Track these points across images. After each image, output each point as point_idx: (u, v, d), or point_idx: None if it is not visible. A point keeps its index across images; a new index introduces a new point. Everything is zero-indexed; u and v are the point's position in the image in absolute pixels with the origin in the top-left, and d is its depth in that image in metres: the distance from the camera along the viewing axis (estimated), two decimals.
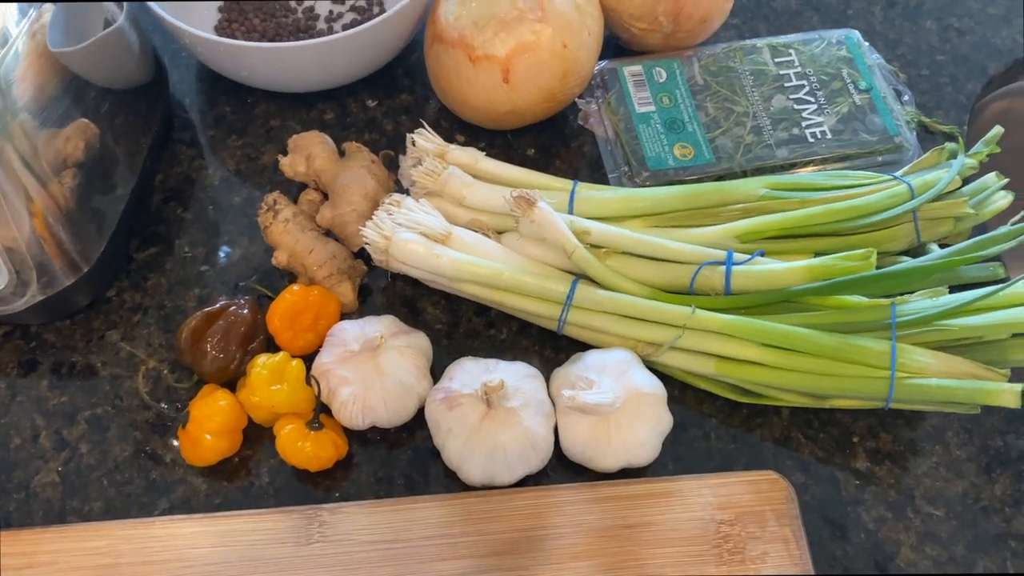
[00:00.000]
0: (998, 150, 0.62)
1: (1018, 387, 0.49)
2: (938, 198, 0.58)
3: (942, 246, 0.59)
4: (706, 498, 0.52)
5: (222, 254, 0.62)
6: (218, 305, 0.56)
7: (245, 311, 0.55)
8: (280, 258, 0.58)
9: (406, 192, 0.62)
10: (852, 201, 0.56)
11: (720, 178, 0.62)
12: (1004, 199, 0.60)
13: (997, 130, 0.62)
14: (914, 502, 0.53)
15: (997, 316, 0.52)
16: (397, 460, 0.55)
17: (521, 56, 0.59)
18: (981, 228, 0.61)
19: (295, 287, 0.56)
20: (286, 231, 0.58)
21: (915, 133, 0.65)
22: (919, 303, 0.53)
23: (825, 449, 0.55)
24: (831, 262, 0.53)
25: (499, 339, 0.59)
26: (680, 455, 0.55)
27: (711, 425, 0.56)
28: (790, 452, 0.55)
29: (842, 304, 0.53)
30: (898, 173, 0.60)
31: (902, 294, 0.55)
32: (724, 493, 0.52)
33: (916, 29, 0.73)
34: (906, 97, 0.67)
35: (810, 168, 0.62)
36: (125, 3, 0.60)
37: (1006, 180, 0.60)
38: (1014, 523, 0.52)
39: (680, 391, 0.57)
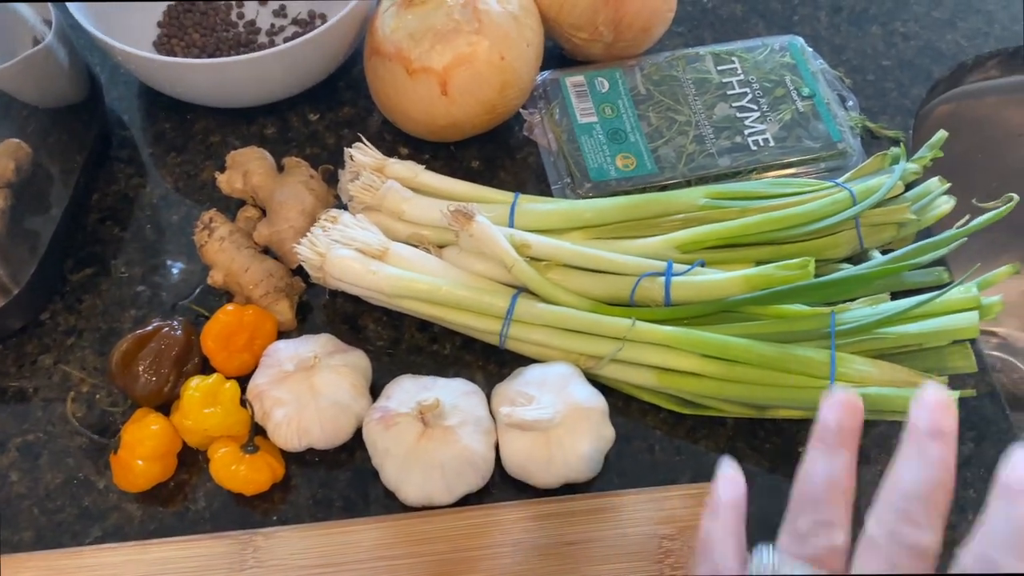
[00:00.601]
0: (941, 154, 0.62)
1: (955, 395, 0.49)
2: (880, 204, 0.58)
3: (886, 251, 0.59)
4: (648, 512, 0.51)
5: (160, 274, 0.61)
6: (150, 327, 0.54)
7: (178, 332, 0.54)
8: (216, 277, 0.57)
9: (346, 207, 0.61)
10: (792, 209, 0.56)
11: (664, 188, 0.62)
12: (947, 204, 0.60)
13: (941, 134, 0.62)
14: (858, 512, 0.53)
15: (935, 323, 0.52)
16: (336, 481, 0.54)
17: (458, 68, 0.58)
18: (926, 233, 0.60)
19: (229, 307, 0.55)
20: (222, 249, 0.57)
21: (859, 139, 0.65)
22: (859, 311, 0.53)
23: (770, 459, 0.54)
24: (769, 271, 0.52)
25: (442, 354, 0.58)
26: (624, 468, 0.54)
27: (656, 437, 0.55)
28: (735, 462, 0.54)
29: (782, 313, 0.53)
30: (840, 179, 0.60)
31: (844, 302, 0.55)
32: (666, 507, 0.51)
33: (861, 35, 0.73)
34: (850, 103, 0.67)
35: (753, 176, 0.62)
36: (54, 22, 0.59)
37: (948, 185, 0.60)
38: (958, 530, 0.52)
39: (624, 403, 0.56)
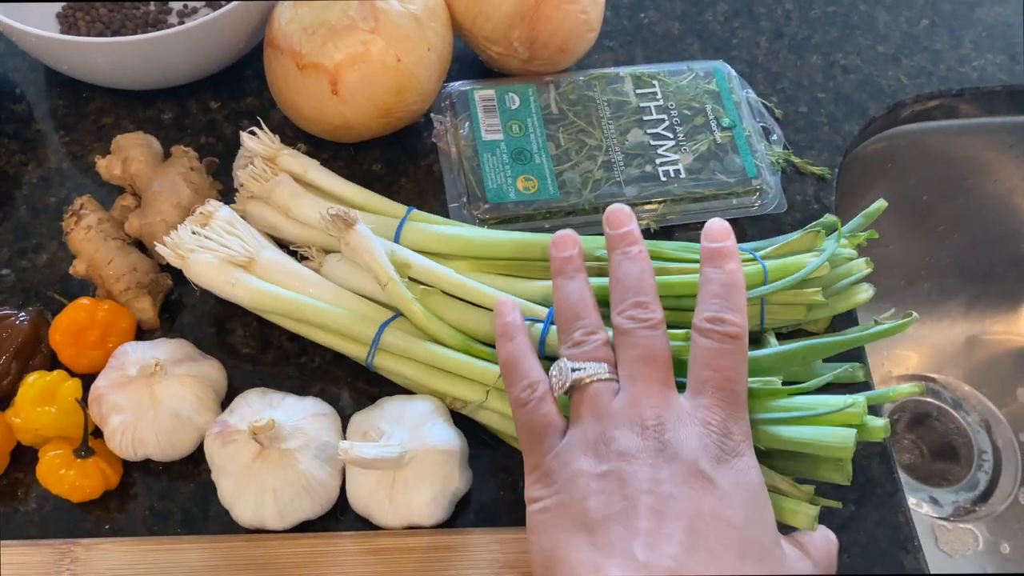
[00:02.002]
0: (876, 235, 0.56)
1: (814, 511, 0.45)
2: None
3: (795, 332, 0.55)
4: (494, 554, 0.48)
5: (27, 258, 0.58)
6: None
7: (23, 323, 0.52)
8: (78, 267, 0.55)
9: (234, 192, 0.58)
10: (691, 276, 0.52)
11: (568, 214, 0.58)
12: (866, 293, 0.56)
13: (880, 204, 0.55)
14: None
15: (811, 432, 0.46)
16: (177, 493, 0.51)
17: (350, 67, 0.55)
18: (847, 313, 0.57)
19: (84, 301, 0.53)
20: (87, 238, 0.54)
21: (779, 174, 0.62)
22: None
23: None
24: None
25: (311, 368, 0.55)
26: (483, 505, 0.51)
27: (521, 473, 0.52)
28: None
29: None
30: (761, 252, 0.55)
31: None
32: (514, 550, 0.48)
33: (800, 64, 0.70)
34: (775, 136, 0.64)
35: (660, 207, 0.59)
36: None
37: (870, 271, 0.56)
38: None
39: (493, 437, 0.53)
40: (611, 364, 0.43)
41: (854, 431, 0.45)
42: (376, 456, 0.45)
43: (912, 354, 0.93)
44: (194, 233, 0.52)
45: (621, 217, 0.48)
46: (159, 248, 0.52)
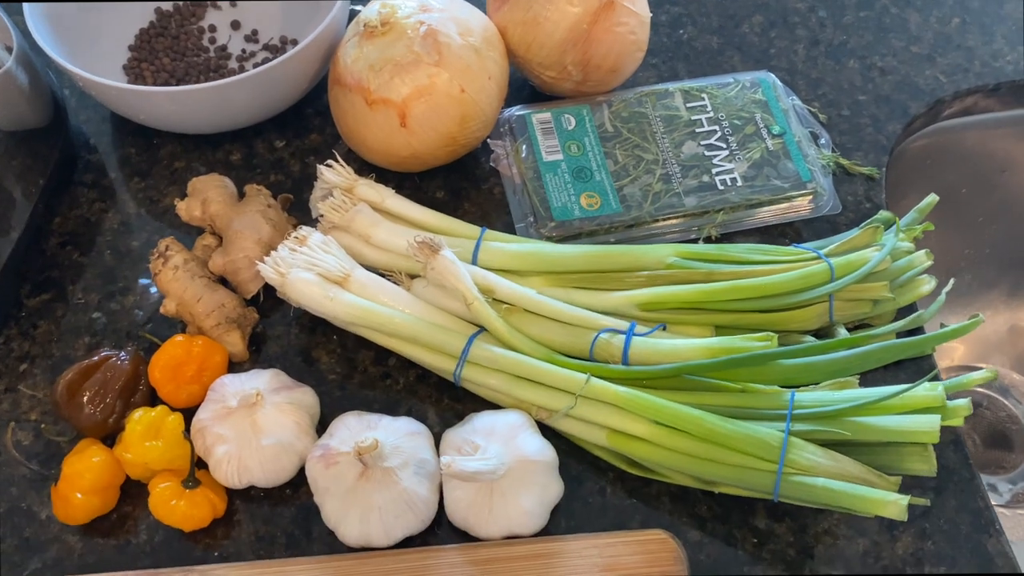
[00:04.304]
0: (932, 227, 0.60)
1: (904, 499, 0.46)
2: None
3: (859, 326, 0.57)
4: (592, 559, 0.50)
5: (116, 301, 0.61)
6: (97, 357, 0.54)
7: (125, 363, 0.54)
8: (169, 307, 0.57)
9: (316, 222, 0.60)
10: (761, 279, 0.54)
11: (630, 227, 0.61)
12: (928, 285, 0.58)
13: (931, 199, 0.60)
14: (812, 561, 0.52)
15: (896, 420, 0.49)
16: (279, 518, 0.53)
17: (417, 100, 0.58)
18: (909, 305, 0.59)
19: (179, 338, 0.55)
20: (175, 279, 0.57)
21: (831, 177, 0.64)
22: (821, 395, 0.51)
23: (723, 505, 0.53)
24: (731, 344, 0.51)
25: (395, 389, 0.57)
26: (574, 511, 0.53)
27: (608, 479, 0.54)
28: (687, 508, 0.53)
29: (741, 387, 0.51)
30: (824, 251, 0.57)
31: (804, 385, 0.53)
32: (611, 554, 0.50)
33: (838, 68, 0.72)
34: (823, 140, 0.66)
35: (720, 215, 0.61)
36: (15, 47, 0.59)
37: (931, 263, 0.58)
38: None
39: (572, 446, 0.55)
40: None
41: (938, 416, 0.47)
42: (476, 469, 0.47)
43: (957, 345, 0.94)
44: (292, 253, 0.54)
45: None
46: (261, 268, 0.54)
